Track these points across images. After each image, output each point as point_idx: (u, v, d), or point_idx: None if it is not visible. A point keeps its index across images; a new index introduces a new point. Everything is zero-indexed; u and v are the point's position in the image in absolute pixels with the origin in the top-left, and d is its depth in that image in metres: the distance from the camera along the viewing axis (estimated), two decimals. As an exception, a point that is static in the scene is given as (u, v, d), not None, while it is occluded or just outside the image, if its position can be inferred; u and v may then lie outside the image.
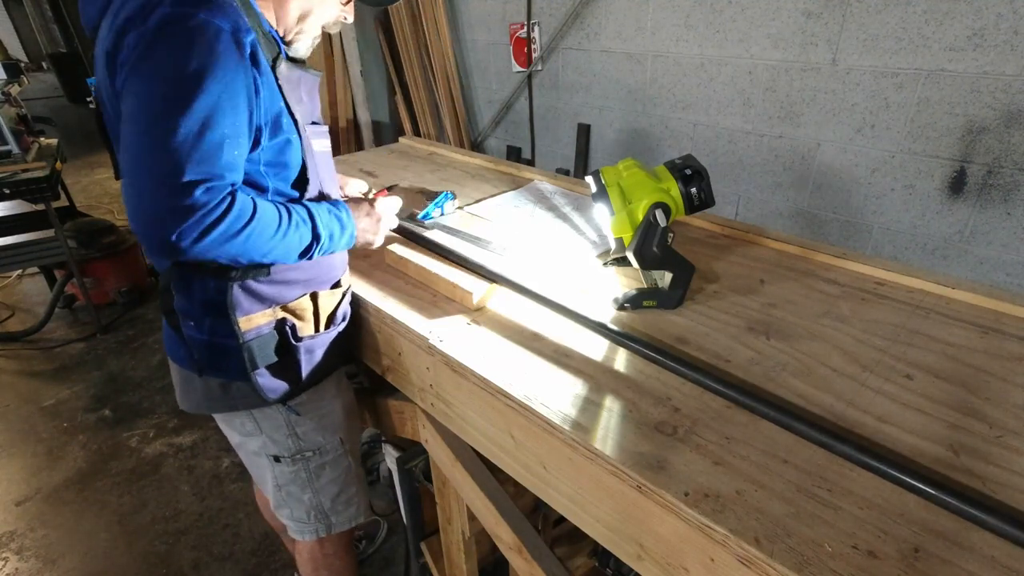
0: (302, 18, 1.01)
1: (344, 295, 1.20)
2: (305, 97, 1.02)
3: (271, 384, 1.10)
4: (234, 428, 1.21)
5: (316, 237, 1.01)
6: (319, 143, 1.06)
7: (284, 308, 1.08)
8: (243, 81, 0.86)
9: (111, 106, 0.94)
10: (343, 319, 1.20)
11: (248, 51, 0.87)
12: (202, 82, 0.81)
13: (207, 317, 1.03)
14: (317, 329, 1.14)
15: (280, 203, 0.98)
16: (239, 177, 0.90)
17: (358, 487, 1.37)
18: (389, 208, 1.24)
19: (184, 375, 1.14)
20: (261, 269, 1.02)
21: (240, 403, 1.12)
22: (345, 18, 1.08)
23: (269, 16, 0.98)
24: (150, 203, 0.82)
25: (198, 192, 0.82)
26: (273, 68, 0.93)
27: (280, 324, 1.08)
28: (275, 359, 1.09)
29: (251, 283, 1.02)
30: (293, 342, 1.09)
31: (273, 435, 1.19)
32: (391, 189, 1.44)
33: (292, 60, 0.99)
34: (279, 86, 0.94)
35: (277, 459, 1.22)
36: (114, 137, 0.96)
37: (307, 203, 1.03)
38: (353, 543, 1.52)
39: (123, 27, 0.84)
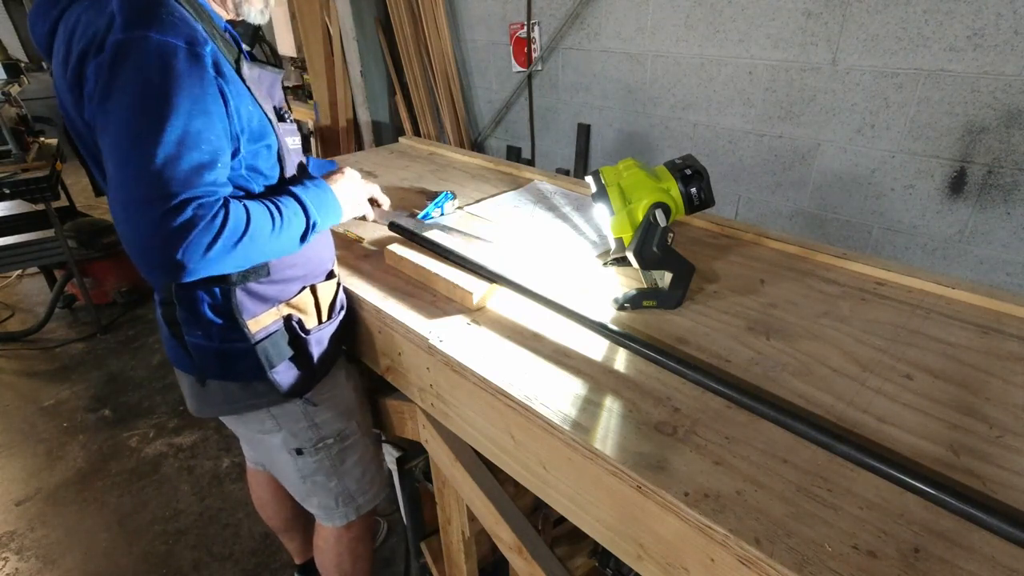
0: None
1: (338, 285, 1.23)
2: (267, 93, 1.01)
3: (289, 379, 1.12)
4: (251, 427, 1.22)
5: (308, 218, 1.01)
6: (292, 140, 1.07)
7: (288, 305, 1.11)
8: (211, 93, 0.85)
9: (80, 125, 0.92)
10: (342, 308, 1.23)
11: (209, 61, 0.85)
12: (169, 103, 0.80)
13: (215, 325, 1.04)
14: (320, 320, 1.18)
15: (268, 199, 0.97)
16: (228, 189, 0.90)
17: (377, 465, 1.43)
18: (354, 174, 1.23)
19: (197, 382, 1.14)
20: (260, 270, 1.03)
21: (260, 401, 1.15)
22: None
23: (217, 8, 0.97)
24: (147, 230, 0.81)
25: (190, 210, 0.81)
26: (238, 70, 0.93)
27: (287, 320, 1.10)
28: (290, 354, 1.11)
29: (252, 285, 1.04)
30: (303, 335, 1.12)
31: (293, 428, 1.22)
32: None
33: (253, 59, 0.98)
34: (248, 88, 0.94)
35: (300, 451, 1.25)
36: (86, 155, 0.96)
37: (290, 188, 1.02)
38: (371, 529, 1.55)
39: (80, 58, 0.83)
